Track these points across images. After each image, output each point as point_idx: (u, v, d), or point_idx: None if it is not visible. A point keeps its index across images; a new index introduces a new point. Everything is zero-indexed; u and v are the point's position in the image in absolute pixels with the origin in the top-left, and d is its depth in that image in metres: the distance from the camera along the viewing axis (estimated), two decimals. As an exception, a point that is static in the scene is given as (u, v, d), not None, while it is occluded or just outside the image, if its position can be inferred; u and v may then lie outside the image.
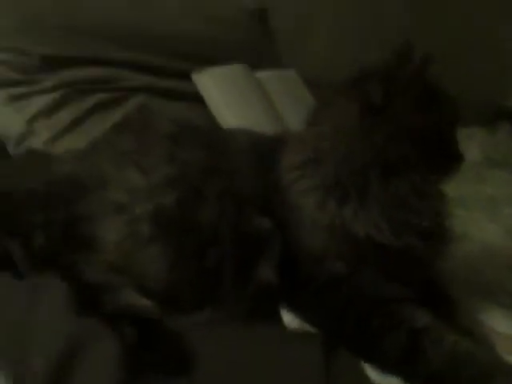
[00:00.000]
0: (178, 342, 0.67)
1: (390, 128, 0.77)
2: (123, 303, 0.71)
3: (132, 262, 0.77)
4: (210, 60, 1.78)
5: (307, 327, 0.77)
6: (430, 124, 0.79)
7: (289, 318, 0.79)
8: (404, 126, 0.77)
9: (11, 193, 0.81)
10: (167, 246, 0.77)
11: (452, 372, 0.67)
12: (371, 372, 0.70)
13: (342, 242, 0.77)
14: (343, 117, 0.81)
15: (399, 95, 0.78)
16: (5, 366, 0.60)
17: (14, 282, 0.75)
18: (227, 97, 1.71)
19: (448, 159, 0.83)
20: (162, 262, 0.77)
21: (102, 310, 0.70)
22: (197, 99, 1.72)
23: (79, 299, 0.71)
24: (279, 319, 0.79)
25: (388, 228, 0.76)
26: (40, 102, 1.44)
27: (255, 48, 1.99)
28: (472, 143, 2.36)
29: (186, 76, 1.75)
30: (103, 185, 0.81)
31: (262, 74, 1.86)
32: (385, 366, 0.71)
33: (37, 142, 1.40)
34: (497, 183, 2.00)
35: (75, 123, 1.45)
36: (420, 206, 0.79)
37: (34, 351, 0.62)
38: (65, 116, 1.45)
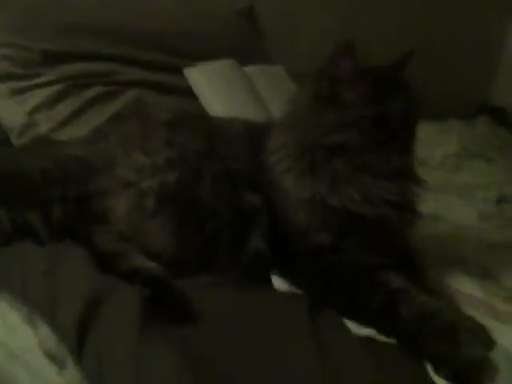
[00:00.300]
0: (183, 298, 0.76)
1: (338, 115, 0.87)
2: (135, 266, 0.80)
3: (139, 231, 0.86)
4: (200, 56, 1.87)
5: (295, 289, 0.87)
6: (379, 114, 0.86)
7: (279, 282, 0.88)
8: (351, 114, 0.86)
9: (27, 172, 0.90)
10: (170, 217, 0.87)
11: (423, 325, 0.76)
12: (351, 324, 0.80)
13: (323, 214, 0.86)
14: (303, 104, 0.93)
15: (347, 87, 0.88)
16: (39, 314, 0.69)
17: (37, 247, 0.84)
18: (217, 90, 1.80)
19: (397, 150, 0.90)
20: (166, 232, 0.86)
21: (117, 271, 0.79)
22: (188, 93, 1.81)
23: (97, 263, 0.80)
24: (271, 283, 0.88)
25: (361, 199, 0.86)
26: (41, 95, 1.52)
27: (245, 44, 2.08)
28: (451, 135, 2.49)
29: (177, 71, 1.84)
30: (112, 164, 0.90)
31: (250, 69, 1.96)
32: (364, 322, 0.81)
33: (38, 133, 1.48)
34: (473, 172, 2.12)
35: (75, 115, 1.53)
36: (383, 183, 0.88)
37: (61, 301, 0.71)
38: (65, 108, 1.53)
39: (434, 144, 2.32)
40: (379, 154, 0.86)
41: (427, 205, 1.46)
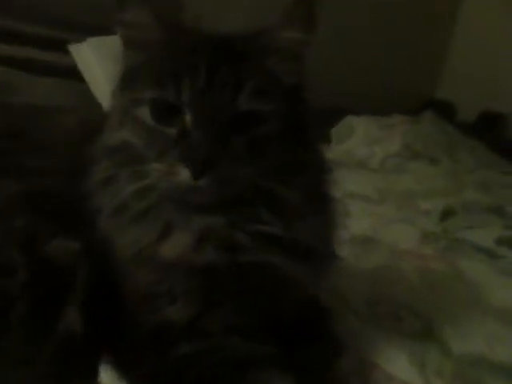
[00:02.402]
0: None
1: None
2: None
3: None
4: (96, 29, 1.51)
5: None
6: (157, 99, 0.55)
7: (110, 378, 0.56)
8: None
9: None
10: None
11: None
12: None
13: (166, 275, 0.54)
14: None
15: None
16: None
17: None
18: (108, 69, 1.44)
19: None
20: None
21: None
22: (71, 74, 1.46)
23: None
24: (97, 379, 0.56)
25: (211, 243, 0.54)
26: None
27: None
28: (393, 132, 2.23)
29: (60, 46, 1.50)
30: None
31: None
32: None
33: None
34: (416, 175, 1.87)
35: None
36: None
37: None
38: None
39: (375, 142, 2.06)
40: (159, 162, 0.52)
41: (360, 223, 1.20)
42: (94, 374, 0.55)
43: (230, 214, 0.53)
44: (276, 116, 0.54)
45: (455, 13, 2.92)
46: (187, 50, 0.54)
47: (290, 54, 0.56)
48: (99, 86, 1.44)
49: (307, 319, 0.61)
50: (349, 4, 2.34)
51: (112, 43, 1.57)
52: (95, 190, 0.56)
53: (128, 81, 0.57)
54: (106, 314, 0.54)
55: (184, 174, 0.50)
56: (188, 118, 0.52)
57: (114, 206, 0.55)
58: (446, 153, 2.23)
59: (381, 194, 1.58)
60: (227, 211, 0.53)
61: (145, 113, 0.53)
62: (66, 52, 1.49)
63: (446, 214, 1.39)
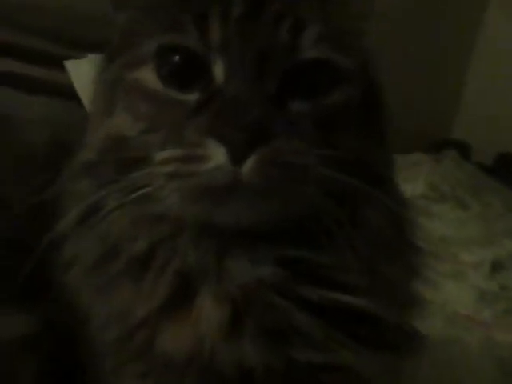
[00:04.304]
0: None
1: None
2: None
3: None
4: (96, 46, 1.36)
5: None
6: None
7: None
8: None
9: None
10: None
11: None
12: None
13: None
14: None
15: None
16: None
17: None
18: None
19: None
20: None
21: None
22: (67, 93, 1.30)
23: None
24: None
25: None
26: None
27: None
28: (417, 171, 2.05)
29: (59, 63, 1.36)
30: None
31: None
32: None
33: None
34: (447, 220, 1.67)
35: None
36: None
37: None
38: None
39: (402, 181, 1.87)
40: (171, 146, 0.32)
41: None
42: None
43: (288, 255, 0.33)
44: (356, 80, 0.35)
45: (471, 55, 2.86)
46: None
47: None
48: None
49: None
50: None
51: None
52: (69, 233, 0.36)
53: (120, 47, 0.38)
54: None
55: (217, 156, 0.30)
56: (219, 69, 0.32)
57: (97, 253, 0.35)
58: (473, 195, 2.06)
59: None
60: (283, 246, 0.33)
61: (148, 74, 0.34)
62: (60, 68, 1.34)
63: (495, 267, 1.18)
